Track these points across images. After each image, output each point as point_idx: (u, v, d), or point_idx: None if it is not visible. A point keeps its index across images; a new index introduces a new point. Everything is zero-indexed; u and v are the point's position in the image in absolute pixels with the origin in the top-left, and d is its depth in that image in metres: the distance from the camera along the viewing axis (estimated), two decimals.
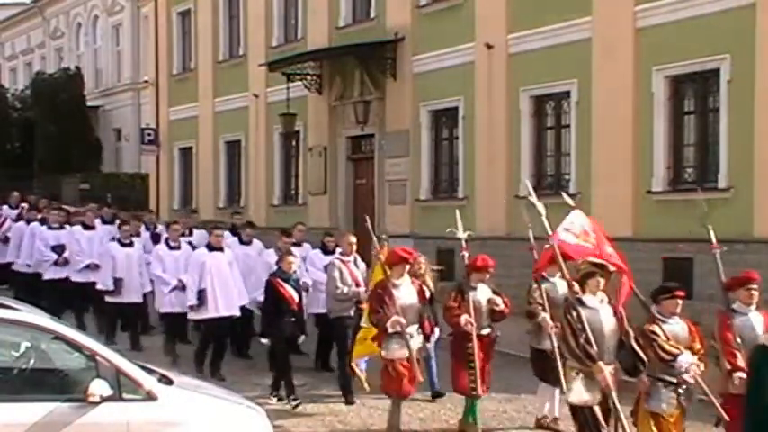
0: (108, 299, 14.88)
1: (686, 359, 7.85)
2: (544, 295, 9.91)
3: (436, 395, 11.43)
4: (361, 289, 11.65)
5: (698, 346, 8.11)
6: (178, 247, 14.18)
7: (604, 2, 16.58)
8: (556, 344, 9.30)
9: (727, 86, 14.76)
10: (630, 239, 15.02)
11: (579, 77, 17.02)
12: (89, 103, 36.67)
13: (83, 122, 35.44)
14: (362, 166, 22.61)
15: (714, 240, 8.53)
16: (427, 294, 10.62)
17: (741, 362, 7.82)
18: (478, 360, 9.74)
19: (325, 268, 12.48)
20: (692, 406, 8.20)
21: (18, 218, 18.58)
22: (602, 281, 8.00)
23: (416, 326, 9.90)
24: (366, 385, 11.13)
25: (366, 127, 21.89)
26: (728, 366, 7.96)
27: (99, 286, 14.96)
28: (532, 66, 17.88)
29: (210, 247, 12.98)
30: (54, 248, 16.30)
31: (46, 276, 16.36)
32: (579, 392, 7.91)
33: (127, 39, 36.51)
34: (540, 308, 9.89)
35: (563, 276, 9.69)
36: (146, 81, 33.28)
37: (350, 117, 22.26)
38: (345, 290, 11.64)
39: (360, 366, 10.84)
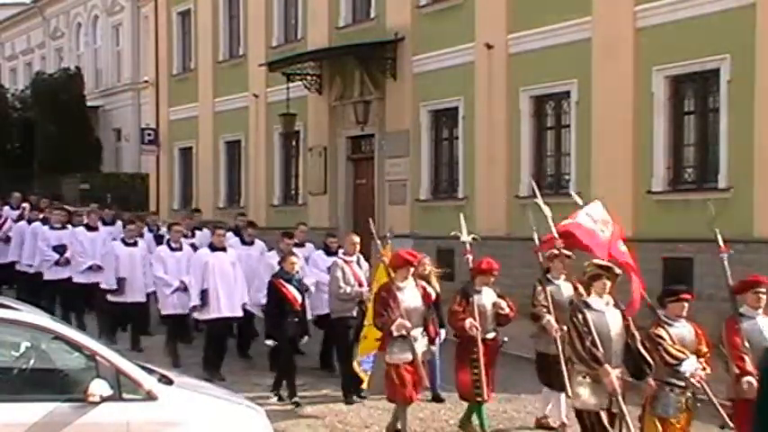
0: (111, 298, 14.89)
1: (691, 364, 7.79)
2: (549, 298, 9.85)
3: (436, 399, 11.40)
4: (364, 289, 11.62)
5: (704, 349, 8.06)
6: (180, 249, 14.17)
7: (604, 2, 16.59)
8: (560, 347, 9.26)
9: (727, 86, 14.76)
10: (630, 239, 14.92)
11: (579, 77, 17.02)
12: (89, 103, 36.66)
13: (83, 122, 35.43)
14: (362, 166, 22.61)
15: (722, 244, 8.48)
16: (433, 295, 10.58)
17: (749, 366, 7.78)
18: (483, 364, 9.66)
19: (329, 269, 12.44)
20: (697, 409, 8.16)
21: (19, 218, 18.57)
22: (608, 283, 7.91)
23: (421, 329, 9.84)
24: (365, 384, 11.14)
25: (366, 127, 21.88)
26: (737, 371, 7.90)
27: (103, 285, 14.98)
28: (532, 66, 17.88)
29: (213, 247, 12.98)
30: (56, 248, 16.31)
31: (47, 276, 16.37)
32: (586, 397, 7.83)
33: (127, 39, 36.51)
34: (544, 310, 9.83)
35: (568, 278, 9.69)
36: (146, 81, 33.28)
37: (350, 117, 22.25)
38: (348, 290, 11.63)
39: (363, 366, 10.83)
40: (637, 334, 7.86)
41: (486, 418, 10.10)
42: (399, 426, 9.92)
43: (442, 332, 11.00)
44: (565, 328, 8.73)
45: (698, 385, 7.87)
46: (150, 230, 16.89)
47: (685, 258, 14.72)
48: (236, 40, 27.19)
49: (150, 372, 7.16)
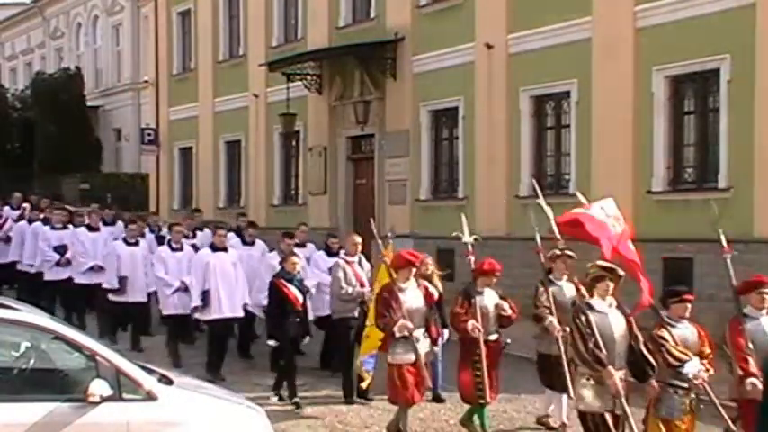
0: (112, 298, 14.88)
1: (693, 366, 7.75)
2: (551, 298, 9.82)
3: (436, 399, 11.39)
4: (366, 289, 11.60)
5: (707, 350, 8.02)
6: (181, 249, 14.15)
7: (604, 2, 16.59)
8: (563, 348, 9.23)
9: (727, 86, 14.76)
10: (630, 239, 14.99)
11: (579, 77, 17.02)
12: (89, 103, 36.66)
13: (83, 122, 35.42)
14: (362, 166, 22.61)
15: (725, 244, 8.46)
16: (435, 295, 10.55)
17: (753, 367, 7.76)
18: (485, 366, 9.60)
19: (330, 270, 12.40)
20: (701, 410, 8.12)
21: (20, 218, 18.57)
22: (611, 285, 7.85)
23: (423, 329, 9.80)
24: (365, 384, 11.13)
25: (366, 127, 21.88)
26: (741, 372, 7.87)
27: (105, 285, 14.98)
28: (532, 66, 17.88)
29: (214, 248, 12.94)
30: (56, 249, 16.29)
31: (47, 277, 16.37)
32: (590, 399, 7.77)
33: (127, 39, 36.50)
34: (546, 311, 9.79)
35: (570, 279, 9.65)
36: (146, 81, 33.27)
37: (350, 117, 22.25)
38: (350, 290, 11.60)
39: (365, 366, 10.82)
40: (639, 335, 7.80)
41: (487, 418, 10.08)
42: (401, 426, 9.91)
43: (446, 332, 10.95)
44: (567, 329, 8.70)
45: (700, 387, 7.83)
46: (152, 231, 16.88)
47: (685, 258, 14.72)
48: (236, 40, 27.19)
49: (150, 372, 7.16)
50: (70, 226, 16.78)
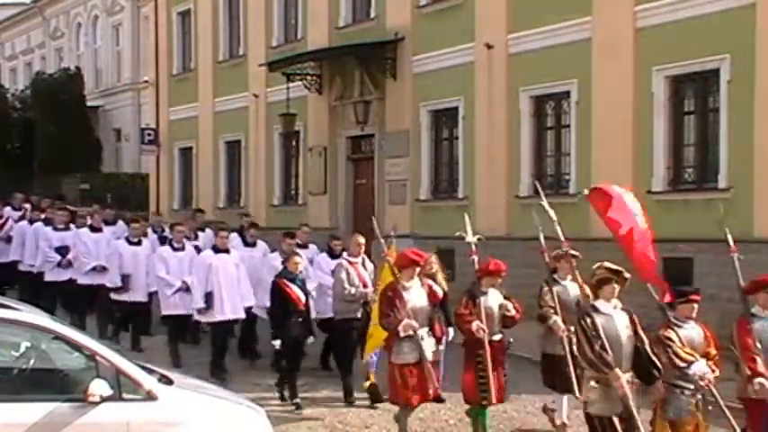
0: (114, 297, 14.87)
1: (700, 367, 7.71)
2: (555, 298, 9.79)
3: (436, 399, 11.35)
4: (369, 290, 11.56)
5: (713, 351, 7.98)
6: (182, 249, 14.13)
7: (604, 2, 16.59)
8: (567, 348, 9.19)
9: (727, 86, 14.76)
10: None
11: (579, 77, 17.02)
12: (89, 103, 36.65)
13: (83, 122, 35.42)
14: (362, 166, 22.61)
15: (732, 244, 8.44)
16: (440, 294, 10.51)
17: (761, 367, 7.74)
18: (490, 367, 9.53)
19: (333, 272, 12.33)
20: (708, 412, 8.06)
21: (21, 218, 18.56)
22: (617, 288, 7.74)
23: (426, 329, 9.76)
24: (367, 384, 11.12)
25: (366, 127, 21.88)
26: (749, 372, 7.85)
27: (107, 284, 14.97)
28: (532, 66, 17.88)
29: (216, 249, 12.88)
30: (58, 250, 16.27)
31: (48, 278, 16.34)
32: (597, 403, 7.66)
33: (127, 39, 36.51)
34: (551, 311, 9.77)
35: (574, 279, 9.61)
36: (146, 81, 33.27)
37: (350, 117, 22.25)
38: (353, 291, 11.56)
39: (372, 368, 10.79)
40: (645, 337, 7.75)
41: (488, 418, 10.05)
42: (400, 425, 9.89)
43: (450, 331, 10.89)
44: (572, 328, 8.67)
45: (706, 388, 7.78)
46: (155, 231, 16.86)
47: (685, 258, 14.71)
48: (236, 40, 27.19)
49: (150, 372, 7.16)
50: (72, 226, 16.75)
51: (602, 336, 7.48)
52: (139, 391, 6.81)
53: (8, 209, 19.53)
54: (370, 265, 12.17)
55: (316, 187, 23.53)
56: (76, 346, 6.87)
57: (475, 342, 9.63)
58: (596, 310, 7.67)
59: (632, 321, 7.72)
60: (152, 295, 14.96)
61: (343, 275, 11.64)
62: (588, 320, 7.57)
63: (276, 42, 25.19)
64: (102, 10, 38.07)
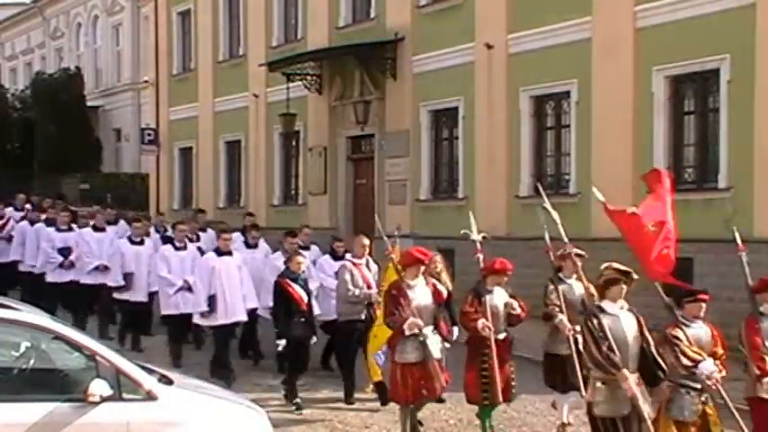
0: (116, 296, 14.86)
1: (707, 366, 7.66)
2: (561, 297, 9.76)
3: (437, 400, 11.34)
4: (373, 291, 11.52)
5: (720, 351, 7.93)
6: (184, 248, 14.10)
7: (604, 2, 16.59)
8: (573, 347, 9.17)
9: (727, 86, 14.77)
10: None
11: (579, 77, 17.02)
12: (89, 103, 36.67)
13: (83, 122, 35.44)
14: (362, 166, 22.61)
15: (740, 243, 8.41)
16: (444, 293, 10.47)
17: None
18: (497, 366, 9.49)
19: (336, 274, 12.30)
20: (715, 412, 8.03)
21: (23, 219, 18.54)
22: (625, 288, 7.68)
23: (431, 327, 9.71)
24: (370, 386, 11.10)
25: (366, 127, 21.89)
26: (758, 371, 7.83)
27: (110, 283, 14.95)
28: (532, 66, 17.89)
29: (219, 252, 12.74)
30: (61, 251, 16.25)
31: (50, 279, 16.31)
32: (603, 404, 7.60)
33: (127, 39, 36.52)
34: (557, 309, 9.73)
35: (579, 279, 9.58)
36: (146, 81, 33.28)
37: (350, 117, 22.26)
38: (357, 292, 11.50)
39: (378, 362, 10.78)
40: (650, 338, 7.70)
41: (488, 422, 10.01)
42: (401, 424, 9.88)
43: (455, 329, 10.86)
44: (577, 327, 8.66)
45: (714, 388, 7.73)
46: (157, 231, 16.84)
47: (685, 258, 14.67)
48: (236, 40, 27.20)
49: (150, 372, 7.16)
50: (74, 227, 16.73)
51: (610, 337, 7.42)
52: (139, 391, 6.80)
53: (10, 209, 19.52)
54: (374, 267, 12.09)
55: (316, 187, 23.53)
56: (76, 346, 6.86)
57: (479, 340, 9.60)
58: (602, 310, 7.61)
59: (638, 322, 7.66)
60: (153, 295, 14.95)
61: (347, 277, 11.58)
62: (595, 321, 7.50)
63: (276, 42, 25.19)
64: (102, 10, 38.08)
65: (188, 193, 29.56)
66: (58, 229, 16.59)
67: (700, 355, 7.73)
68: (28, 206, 19.59)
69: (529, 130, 18.26)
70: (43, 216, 17.96)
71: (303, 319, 11.37)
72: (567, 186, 17.43)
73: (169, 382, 7.21)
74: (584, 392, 8.31)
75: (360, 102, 21.86)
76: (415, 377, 9.56)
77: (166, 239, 15.46)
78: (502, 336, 9.80)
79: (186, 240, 14.33)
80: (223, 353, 12.65)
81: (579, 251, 9.82)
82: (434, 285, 10.09)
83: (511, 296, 9.91)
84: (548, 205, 9.87)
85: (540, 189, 11.26)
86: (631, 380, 7.44)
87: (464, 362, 9.94)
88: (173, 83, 30.05)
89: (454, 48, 19.49)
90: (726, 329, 8.37)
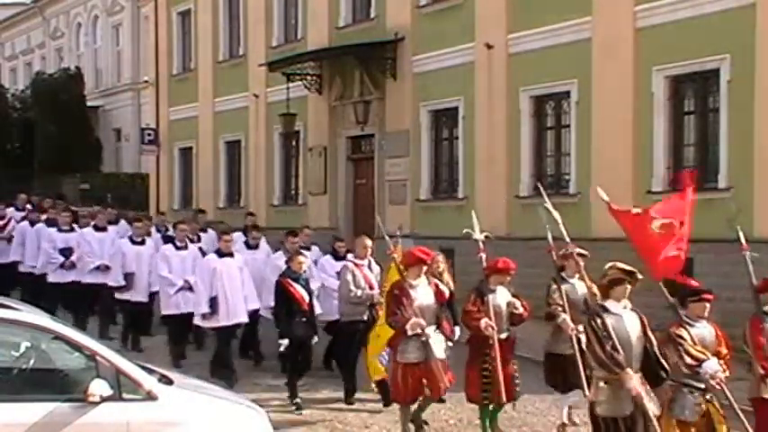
0: (118, 296, 14.85)
1: (712, 366, 7.62)
2: (564, 296, 9.75)
3: (438, 400, 11.33)
4: (375, 292, 11.50)
5: (724, 351, 7.91)
6: (185, 248, 14.08)
7: (604, 2, 16.59)
8: (576, 346, 9.15)
9: (727, 86, 14.77)
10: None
11: (579, 77, 17.02)
12: (89, 103, 36.69)
13: (83, 122, 35.45)
14: (362, 166, 22.61)
15: (744, 242, 8.40)
16: (446, 293, 10.45)
17: None
18: (500, 366, 9.45)
19: (338, 274, 12.30)
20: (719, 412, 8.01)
21: (24, 219, 18.53)
22: (629, 288, 7.61)
23: (434, 327, 9.69)
24: (374, 385, 11.09)
25: (366, 127, 21.89)
26: (762, 371, 7.80)
27: (110, 283, 14.95)
28: (532, 66, 17.89)
29: (220, 253, 12.70)
30: (62, 251, 16.23)
31: (51, 279, 16.29)
32: (606, 404, 7.56)
33: (127, 39, 36.53)
34: (559, 309, 9.72)
35: (582, 279, 9.57)
36: (146, 81, 33.28)
37: (350, 117, 22.26)
38: (359, 293, 11.48)
39: (382, 361, 10.78)
40: (653, 339, 7.68)
41: (495, 418, 10.01)
42: (408, 425, 9.87)
43: (456, 330, 10.83)
44: (580, 327, 8.63)
45: (717, 387, 7.69)
46: (159, 230, 16.84)
47: (686, 258, 14.69)
48: (236, 40, 27.19)
49: (150, 372, 7.16)
50: (75, 227, 16.72)
51: (614, 336, 7.39)
52: (139, 391, 6.80)
53: (11, 209, 19.51)
54: (376, 268, 12.05)
55: (316, 187, 23.53)
56: (76, 346, 6.86)
57: (481, 340, 9.58)
58: (606, 310, 7.57)
59: (641, 322, 7.62)
60: (153, 295, 14.94)
61: (349, 277, 11.56)
62: (598, 320, 7.46)
63: (276, 42, 25.19)
64: (102, 10, 38.09)
65: (188, 193, 29.56)
66: (60, 230, 16.58)
67: (704, 354, 7.70)
68: (28, 206, 19.58)
69: (529, 130, 18.26)
70: (43, 216, 17.94)
71: (304, 319, 11.36)
72: (567, 186, 17.44)
73: (169, 382, 7.21)
74: (587, 392, 8.29)
75: (360, 102, 21.86)
76: (415, 377, 9.55)
77: (168, 239, 15.45)
78: (504, 335, 9.77)
79: (187, 240, 14.31)
80: (226, 353, 12.63)
81: (582, 251, 9.81)
82: (437, 285, 10.05)
83: (513, 296, 9.89)
84: (549, 206, 9.86)
85: (541, 189, 11.25)
86: (635, 379, 7.41)
87: (465, 361, 9.93)
88: (173, 83, 30.05)
89: (454, 48, 19.50)
90: (726, 329, 8.35)
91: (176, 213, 26.19)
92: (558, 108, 18.00)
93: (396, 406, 10.18)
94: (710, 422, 7.84)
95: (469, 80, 19.18)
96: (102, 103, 37.97)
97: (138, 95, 35.65)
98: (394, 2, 21.03)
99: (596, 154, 16.68)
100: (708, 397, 7.81)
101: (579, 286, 9.85)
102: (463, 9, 19.42)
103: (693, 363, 7.66)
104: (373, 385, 11.19)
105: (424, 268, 9.86)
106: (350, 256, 12.34)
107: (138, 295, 14.81)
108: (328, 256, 13.24)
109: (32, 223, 17.55)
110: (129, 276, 14.71)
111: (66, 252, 16.18)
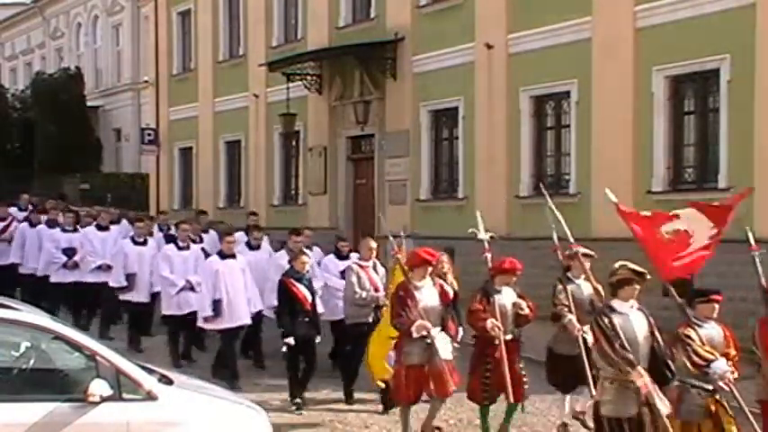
0: (121, 297, 14.85)
1: (720, 366, 7.59)
2: (570, 297, 9.72)
3: None
4: (380, 294, 11.48)
5: (732, 352, 7.88)
6: (187, 248, 14.04)
7: (604, 2, 16.59)
8: (582, 347, 9.13)
9: (727, 86, 14.76)
10: (631, 240, 14.97)
11: (579, 77, 17.02)
12: (89, 103, 36.71)
13: (83, 122, 35.47)
14: (362, 166, 22.62)
15: (753, 242, 8.39)
16: (451, 294, 10.42)
17: None
18: (506, 366, 9.41)
19: (341, 274, 12.28)
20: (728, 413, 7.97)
21: (25, 219, 18.52)
22: (638, 288, 7.54)
23: (438, 328, 9.63)
24: (380, 383, 11.07)
25: (366, 127, 21.89)
26: None
27: (112, 283, 14.93)
28: (532, 66, 17.89)
29: (223, 255, 12.62)
30: (65, 251, 16.22)
31: (53, 279, 16.27)
32: (611, 404, 7.49)
33: (127, 39, 36.55)
34: (565, 309, 9.68)
35: (588, 279, 9.54)
36: (146, 81, 33.29)
37: (350, 117, 22.26)
38: (364, 295, 11.46)
39: (390, 362, 10.78)
40: (660, 338, 7.64)
41: (488, 422, 10.01)
42: (402, 425, 9.87)
43: (460, 330, 10.81)
44: (586, 327, 8.62)
45: (726, 388, 7.65)
46: (161, 230, 16.83)
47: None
48: (236, 40, 27.20)
49: (150, 372, 7.16)
50: (78, 228, 16.70)
51: (621, 335, 7.32)
52: (139, 391, 6.80)
53: (14, 209, 19.49)
54: (381, 269, 12.02)
55: (316, 187, 23.54)
56: (76, 346, 6.86)
57: (486, 340, 9.54)
58: (613, 309, 7.52)
59: (648, 322, 7.57)
60: (154, 296, 14.93)
61: (354, 279, 11.54)
62: (606, 320, 7.40)
63: (276, 42, 25.19)
64: (102, 10, 38.10)
65: (188, 193, 29.56)
66: (64, 230, 16.57)
67: (712, 354, 7.67)
68: (30, 207, 19.57)
69: (529, 130, 18.26)
70: (44, 217, 17.90)
71: (307, 319, 11.33)
72: (567, 186, 17.43)
73: (169, 382, 7.21)
74: (594, 392, 8.27)
75: (360, 102, 21.86)
76: (419, 378, 9.53)
77: (170, 238, 15.43)
78: (510, 336, 9.73)
79: (189, 240, 14.29)
80: (230, 355, 12.56)
81: (587, 251, 9.79)
82: (441, 286, 9.99)
83: (519, 296, 9.84)
84: (551, 206, 9.85)
85: (543, 189, 11.24)
86: (646, 377, 7.33)
87: (469, 361, 9.91)
88: (173, 83, 30.06)
89: (454, 48, 19.50)
90: (753, 330, 8.33)
91: (176, 213, 26.19)
92: (558, 108, 18.00)
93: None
94: (719, 422, 7.79)
95: (469, 80, 19.19)
96: (102, 103, 37.98)
97: (138, 95, 35.67)
98: (394, 2, 21.04)
99: (596, 154, 16.68)
100: (717, 397, 7.77)
101: (585, 287, 9.80)
102: (463, 9, 19.43)
103: (702, 363, 7.63)
104: (381, 383, 11.06)
105: (429, 269, 9.80)
106: (353, 256, 12.31)
107: (139, 296, 14.80)
108: (331, 256, 13.19)
109: (33, 224, 17.52)
110: (130, 277, 14.69)
111: (69, 252, 16.17)
